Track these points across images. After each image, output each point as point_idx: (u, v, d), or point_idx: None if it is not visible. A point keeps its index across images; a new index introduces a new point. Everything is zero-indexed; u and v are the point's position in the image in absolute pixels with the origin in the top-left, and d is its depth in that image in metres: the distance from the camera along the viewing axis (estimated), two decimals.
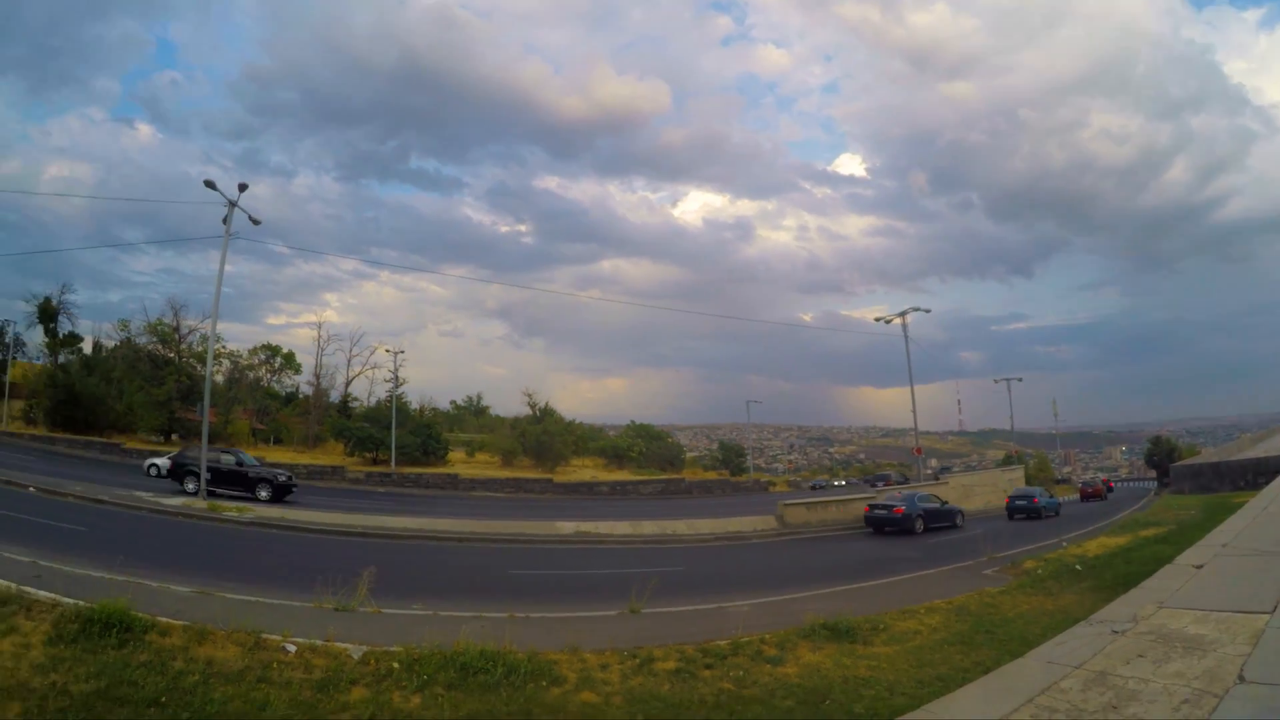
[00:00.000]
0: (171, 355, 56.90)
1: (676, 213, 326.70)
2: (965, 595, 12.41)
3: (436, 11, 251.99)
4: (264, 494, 26.06)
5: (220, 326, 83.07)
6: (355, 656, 7.96)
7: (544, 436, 60.10)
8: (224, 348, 62.64)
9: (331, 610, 10.05)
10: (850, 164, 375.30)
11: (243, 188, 25.11)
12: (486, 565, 17.60)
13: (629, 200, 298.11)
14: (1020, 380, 72.82)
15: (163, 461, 31.84)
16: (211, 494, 24.19)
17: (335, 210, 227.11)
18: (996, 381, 72.80)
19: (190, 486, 25.33)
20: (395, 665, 7.75)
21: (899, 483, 46.11)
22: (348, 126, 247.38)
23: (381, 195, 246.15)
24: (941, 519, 27.31)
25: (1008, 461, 68.56)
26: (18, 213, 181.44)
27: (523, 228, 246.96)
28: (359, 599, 10.32)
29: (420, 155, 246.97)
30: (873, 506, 26.86)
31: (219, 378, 58.80)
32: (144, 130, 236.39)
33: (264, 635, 8.36)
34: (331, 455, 54.02)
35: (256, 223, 26.40)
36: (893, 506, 26.18)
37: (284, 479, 27.49)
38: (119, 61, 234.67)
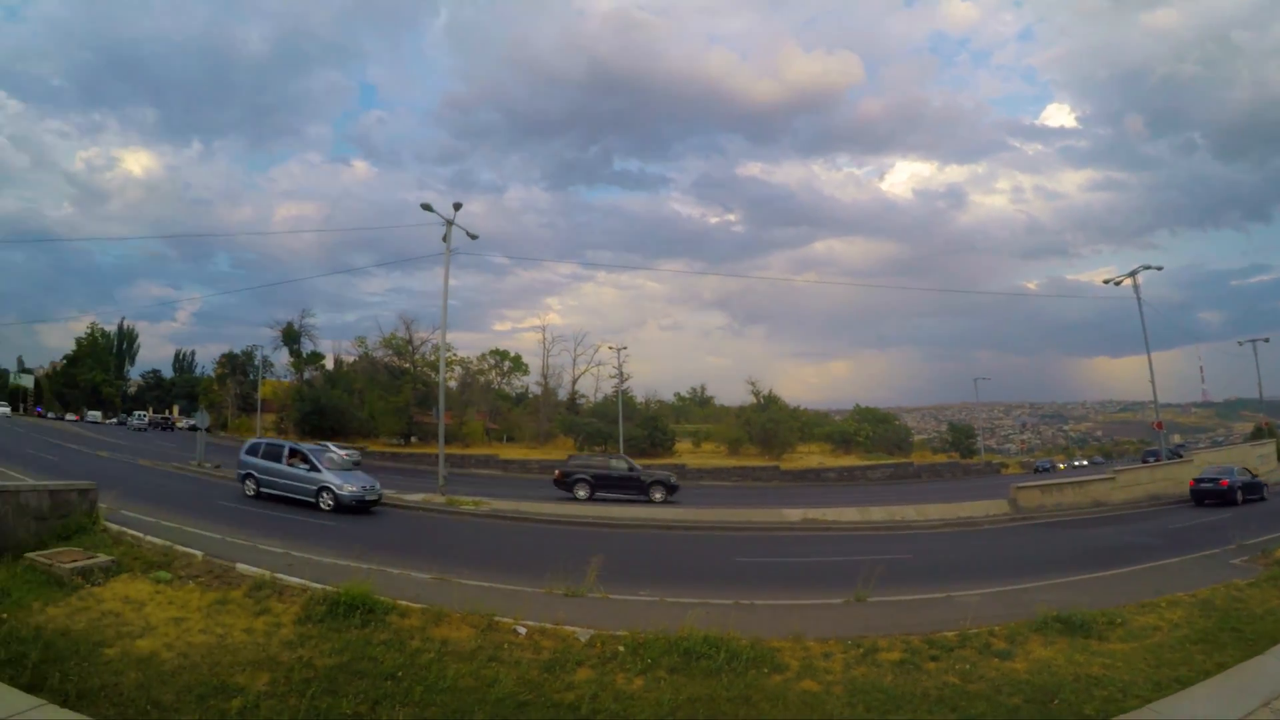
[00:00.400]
0: (406, 365, 65.91)
1: (884, 186, 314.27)
2: (1210, 588, 12.16)
3: (616, 16, 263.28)
4: (658, 496, 29.55)
5: (450, 336, 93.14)
6: (582, 639, 8.61)
7: (769, 424, 61.92)
8: (455, 355, 73.13)
9: (561, 596, 10.97)
10: (1058, 115, 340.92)
11: (457, 207, 28.73)
12: (713, 552, 18.64)
13: (835, 178, 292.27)
14: (1267, 341, 62.49)
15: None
16: (598, 499, 28.51)
17: (548, 218, 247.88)
18: (1240, 344, 62.81)
19: (581, 494, 29.36)
20: (620, 649, 8.32)
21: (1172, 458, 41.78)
22: (549, 138, 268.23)
23: (590, 199, 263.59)
24: (1253, 491, 30.59)
25: (1258, 435, 66.59)
26: (257, 252, 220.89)
27: (732, 217, 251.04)
28: (588, 585, 11.21)
29: (622, 157, 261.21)
30: (1198, 480, 30.24)
31: (452, 383, 67.64)
32: (360, 166, 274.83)
33: (496, 618, 9.26)
34: (561, 450, 59.61)
35: (474, 237, 30.21)
36: (1219, 479, 29.71)
37: (673, 481, 31.22)
38: (327, 109, 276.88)
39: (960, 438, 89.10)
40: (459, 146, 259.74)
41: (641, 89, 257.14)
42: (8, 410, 78.23)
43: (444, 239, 28.70)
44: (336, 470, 21.91)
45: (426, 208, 28.16)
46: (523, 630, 8.89)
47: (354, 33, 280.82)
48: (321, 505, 20.95)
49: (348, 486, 21.21)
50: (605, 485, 29.77)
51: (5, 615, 9.47)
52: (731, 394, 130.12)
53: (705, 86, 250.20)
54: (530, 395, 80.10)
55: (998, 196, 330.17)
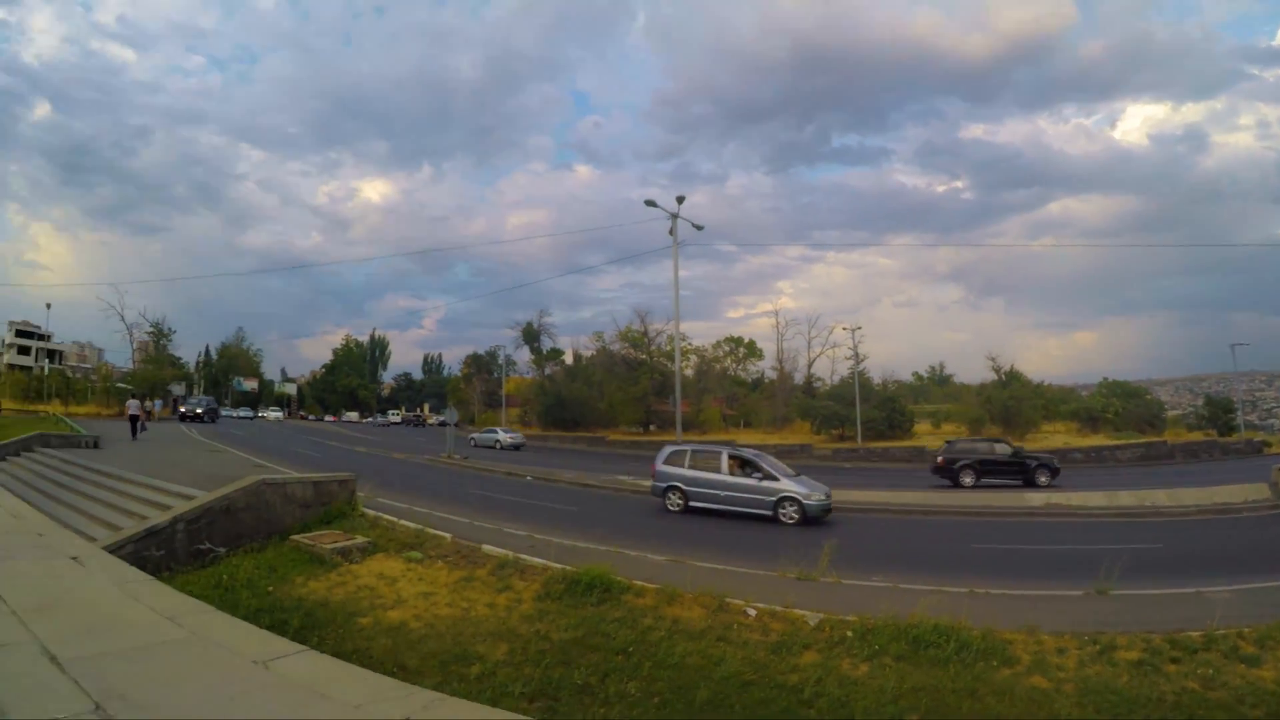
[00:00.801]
0: (643, 357, 71.62)
1: (1117, 135, 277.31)
2: None
3: None
4: (1043, 479, 30.52)
5: (684, 325, 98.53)
6: (811, 623, 9.32)
7: (1010, 402, 60.05)
8: (689, 344, 79.51)
9: (793, 579, 11.74)
10: None
11: (680, 200, 30.84)
12: (950, 538, 18.99)
13: (1063, 132, 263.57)
14: None
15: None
16: (985, 485, 30.04)
17: (771, 203, 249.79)
18: None
19: (967, 480, 30.77)
20: (849, 634, 8.95)
21: None
22: (763, 122, 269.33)
23: (812, 180, 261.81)
24: None
25: None
26: (494, 260, 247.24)
27: (959, 183, 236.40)
28: (820, 569, 11.93)
29: (840, 133, 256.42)
30: None
31: (688, 371, 72.45)
32: (582, 170, 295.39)
33: (727, 599, 10.21)
34: (798, 434, 62.75)
35: (699, 228, 32.50)
36: None
37: (1056, 464, 31.92)
38: (545, 120, 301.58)
39: (1217, 412, 79.99)
40: (675, 141, 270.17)
41: (849, 61, 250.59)
42: (280, 414, 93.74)
43: (670, 232, 30.81)
44: (794, 478, 21.35)
45: (650, 204, 30.45)
46: (752, 612, 9.71)
47: (558, 47, 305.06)
48: (783, 519, 20.11)
49: (815, 495, 20.58)
50: (990, 471, 30.70)
51: (272, 588, 12.07)
52: (971, 371, 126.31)
53: (913, 49, 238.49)
54: (766, 380, 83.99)
55: (1241, 134, 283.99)
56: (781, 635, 8.99)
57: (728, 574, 12.09)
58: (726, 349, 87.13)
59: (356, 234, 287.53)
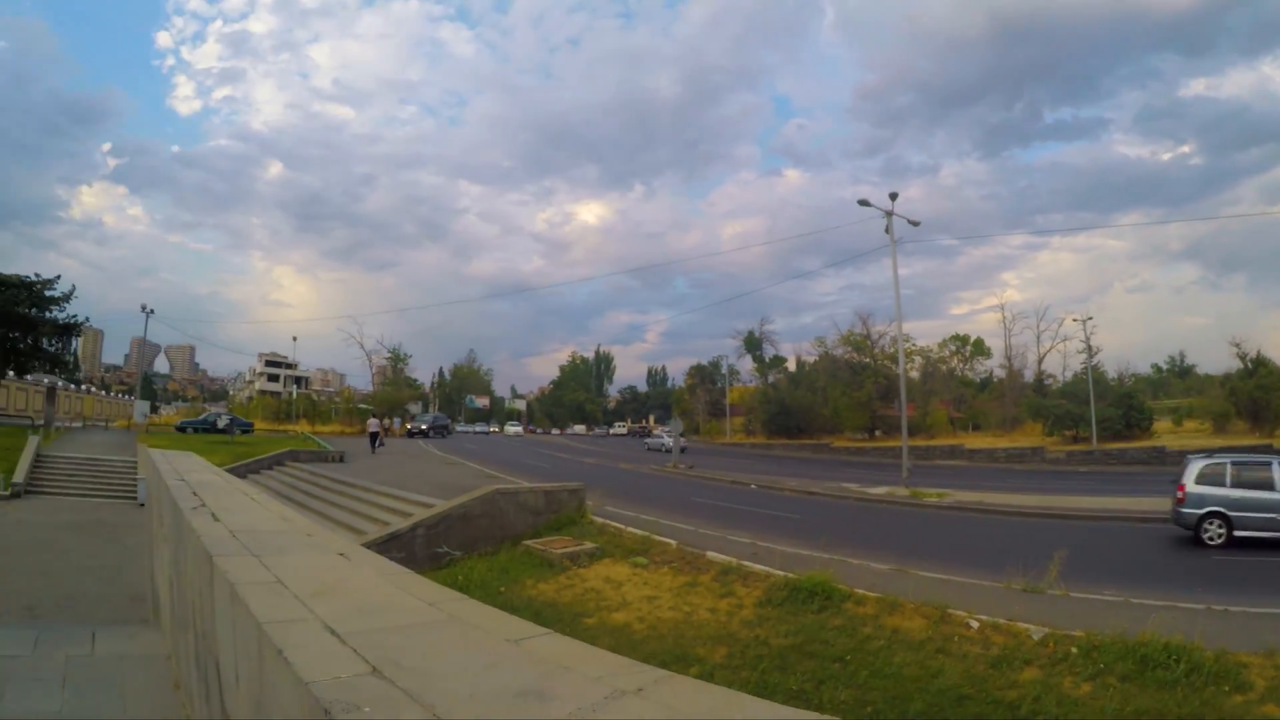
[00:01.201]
0: (866, 360, 70.96)
1: None
2: None
3: None
4: None
5: (906, 326, 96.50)
6: (1034, 638, 9.12)
7: (1257, 392, 51.98)
8: (913, 345, 74.62)
9: (1019, 591, 11.50)
10: None
11: (893, 197, 30.64)
12: (1187, 548, 17.08)
13: None
14: None
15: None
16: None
17: (987, 189, 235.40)
18: None
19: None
20: (1073, 650, 8.69)
21: None
22: (969, 105, 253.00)
23: (1028, 160, 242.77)
24: None
25: None
26: (711, 271, 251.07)
27: (1185, 149, 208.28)
28: (1048, 581, 11.55)
29: (1051, 107, 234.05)
30: None
31: (913, 373, 71.00)
32: (791, 174, 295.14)
33: (949, 610, 10.19)
34: (1029, 436, 58.55)
35: (915, 224, 31.94)
36: None
37: None
38: (748, 128, 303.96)
39: None
40: (882, 135, 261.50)
41: (1050, 27, 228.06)
42: (519, 428, 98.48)
43: (886, 230, 30.51)
44: None
45: (864, 203, 30.47)
46: (975, 624, 9.65)
47: (752, 54, 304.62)
48: None
49: None
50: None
51: (504, 589, 13.21)
52: (1214, 360, 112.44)
53: (1116, 4, 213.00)
54: (994, 379, 79.75)
55: None
56: (1003, 649, 8.87)
57: (951, 584, 11.98)
58: (952, 348, 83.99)
59: (576, 255, 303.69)
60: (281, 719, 2.03)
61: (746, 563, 13.43)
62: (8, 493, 26.81)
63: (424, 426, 68.38)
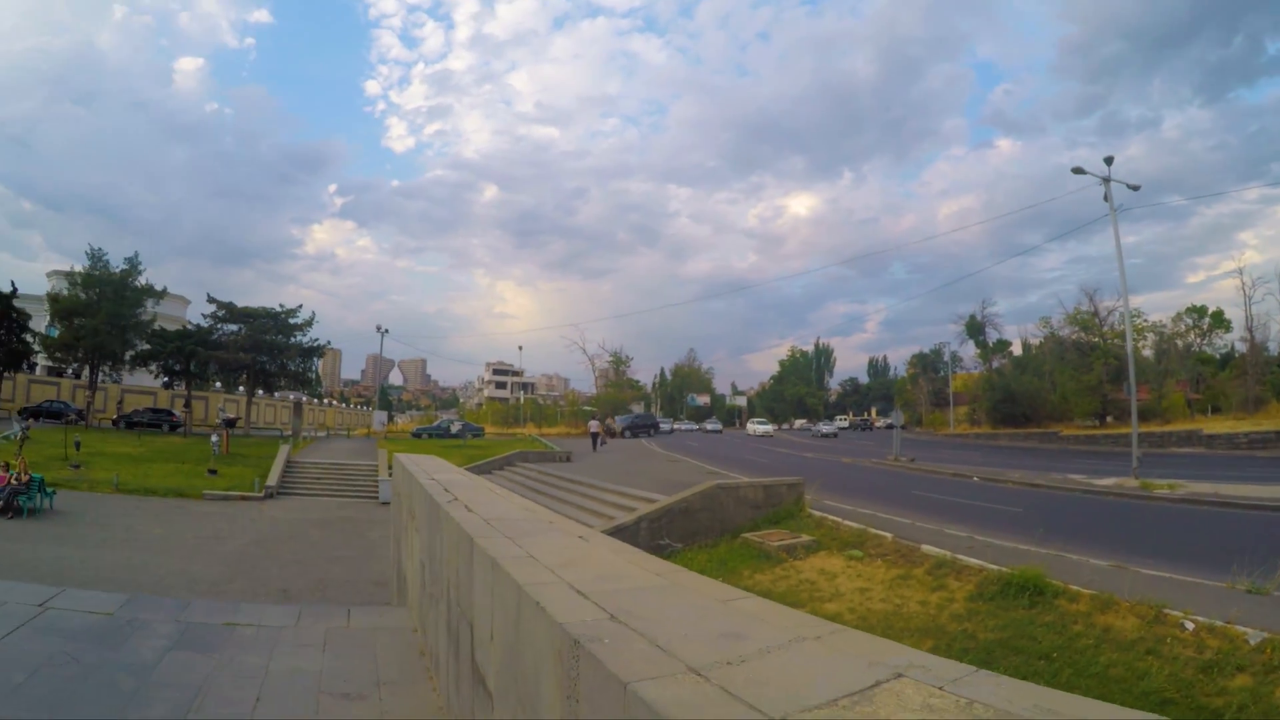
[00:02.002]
0: (1095, 340, 65.51)
1: None
2: None
3: None
4: None
5: (1137, 300, 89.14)
6: (1251, 643, 8.81)
7: None
8: (1143, 321, 69.13)
9: (1243, 592, 11.02)
10: None
11: (1108, 161, 29.49)
12: None
13: None
14: None
15: None
16: None
17: (1215, 139, 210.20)
18: None
19: None
20: None
21: None
22: (1183, 46, 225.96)
23: (1255, 102, 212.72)
24: None
25: None
26: (929, 254, 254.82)
27: None
28: (1275, 582, 11.03)
29: (1273, 35, 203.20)
30: None
31: (1145, 351, 64.92)
32: (1003, 144, 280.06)
33: (1165, 610, 9.95)
34: (1274, 419, 51.30)
35: (1134, 188, 30.55)
36: None
37: None
38: (953, 100, 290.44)
39: None
40: (1094, 91, 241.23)
41: None
42: (718, 426, 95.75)
43: (1105, 199, 29.40)
44: None
45: (1078, 171, 29.62)
46: (1190, 625, 9.40)
47: (945, 21, 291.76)
48: None
49: None
50: None
51: (721, 579, 13.65)
52: None
53: None
54: (1236, 354, 71.52)
55: None
56: (1216, 653, 8.60)
57: (1171, 583, 11.60)
58: (1188, 322, 76.15)
59: (790, 248, 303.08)
60: (534, 657, 2.68)
61: (961, 556, 13.58)
62: (262, 494, 30.32)
63: (620, 428, 70.18)
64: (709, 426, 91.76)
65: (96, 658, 6.65)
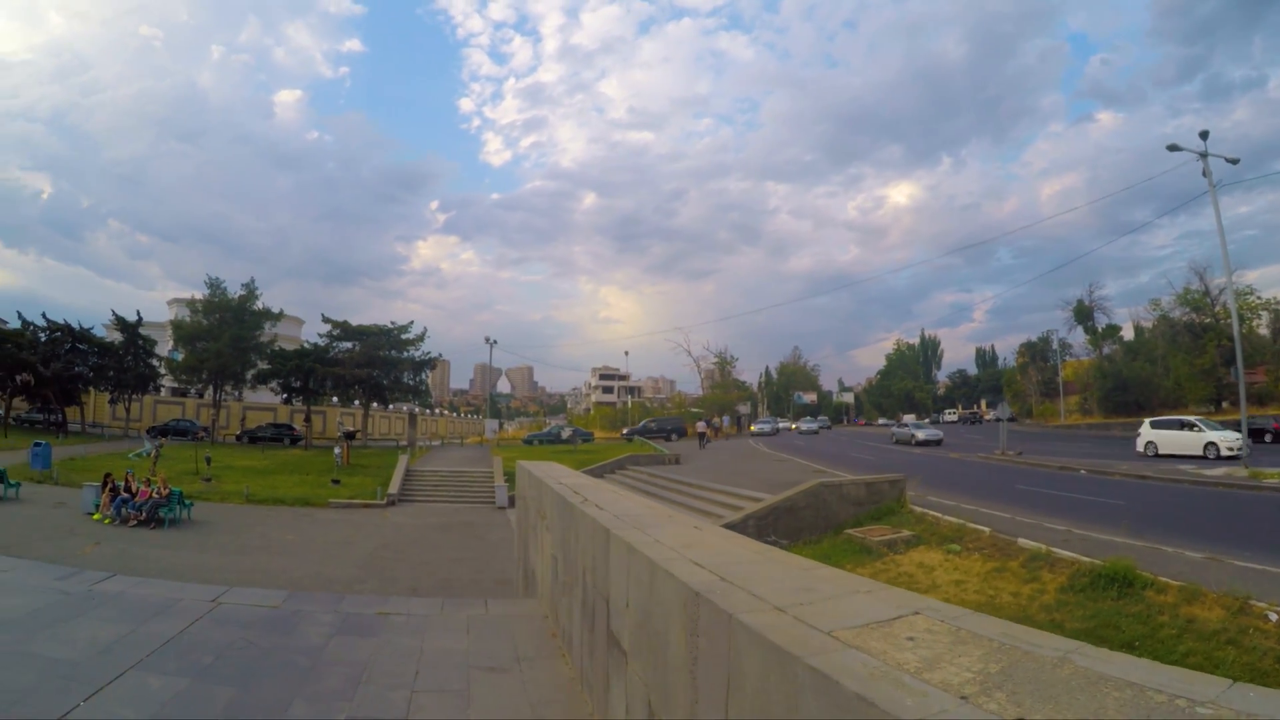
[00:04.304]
0: (1207, 320, 62.01)
1: None
2: None
3: None
4: None
5: (1252, 275, 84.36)
6: None
7: None
8: (1256, 299, 64.60)
9: None
10: None
11: (1204, 135, 29.28)
12: None
13: None
14: None
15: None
16: None
17: None
18: None
19: None
20: None
21: None
22: None
23: None
24: None
25: None
26: (1034, 237, 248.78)
27: None
28: None
29: None
30: None
31: (1261, 330, 61.15)
32: (1103, 117, 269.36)
33: (1251, 602, 10.36)
34: None
35: (1233, 162, 30.37)
36: None
37: None
38: (1048, 75, 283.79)
39: None
40: (1193, 53, 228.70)
41: None
42: (814, 425, 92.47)
43: (1204, 174, 29.08)
44: None
45: (1174, 148, 29.31)
46: (1274, 617, 9.74)
47: None
48: None
49: None
50: None
51: None
52: None
53: None
54: None
55: None
56: None
57: (1265, 575, 11.90)
58: None
59: (892, 239, 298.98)
60: (664, 612, 3.72)
61: (1056, 550, 14.14)
62: (385, 502, 32.21)
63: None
64: (803, 425, 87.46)
65: (271, 642, 7.89)
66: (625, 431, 73.37)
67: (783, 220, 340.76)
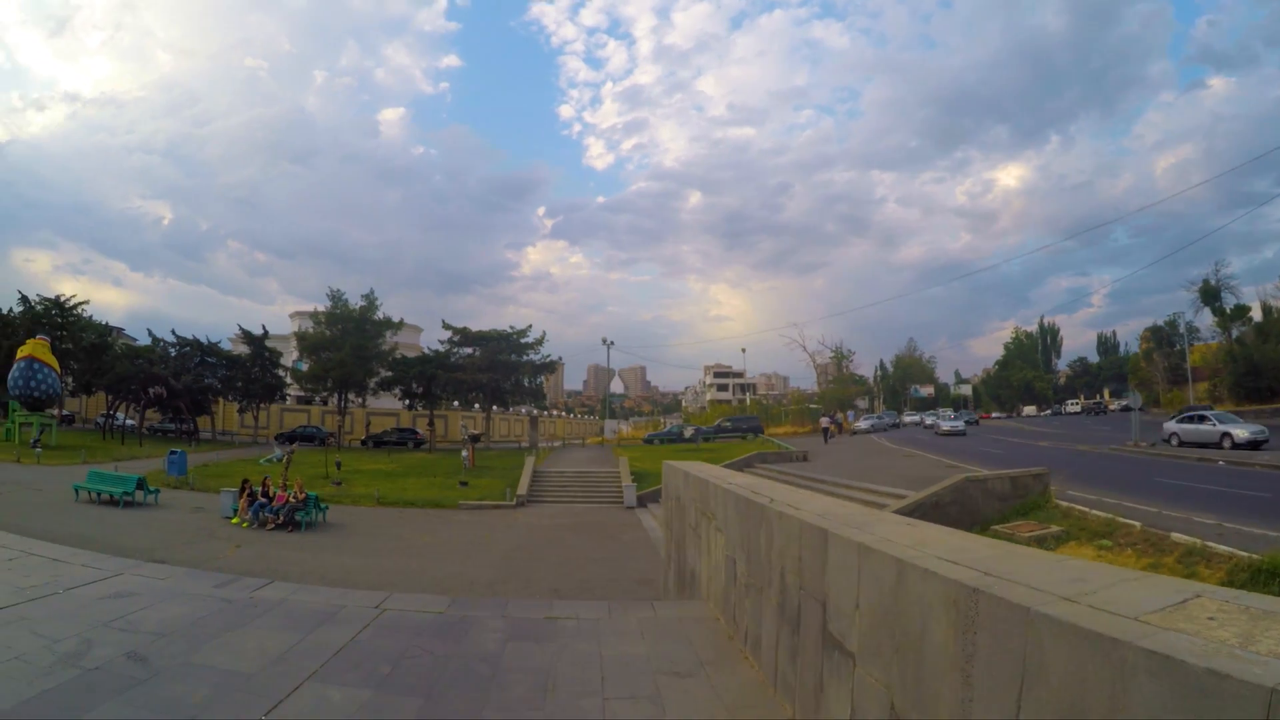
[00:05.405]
0: None
1: None
2: None
3: None
4: None
5: None
6: None
7: None
8: None
9: None
10: None
11: None
12: None
13: None
14: None
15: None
16: None
17: None
18: None
19: None
20: None
21: None
22: None
23: None
24: None
25: None
26: (1152, 216, 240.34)
27: None
28: None
29: None
30: None
31: None
32: (1215, 83, 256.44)
33: None
34: None
35: None
36: None
37: None
38: (1153, 41, 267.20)
39: None
40: None
41: None
42: (915, 417, 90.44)
43: None
44: None
45: None
46: None
47: None
48: None
49: None
50: None
51: None
52: None
53: None
54: None
55: None
56: None
57: None
58: None
59: (1004, 224, 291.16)
60: (920, 609, 3.74)
61: (1211, 544, 13.74)
62: (514, 503, 32.93)
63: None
64: (943, 424, 67.50)
65: (445, 650, 7.90)
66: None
67: (890, 209, 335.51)
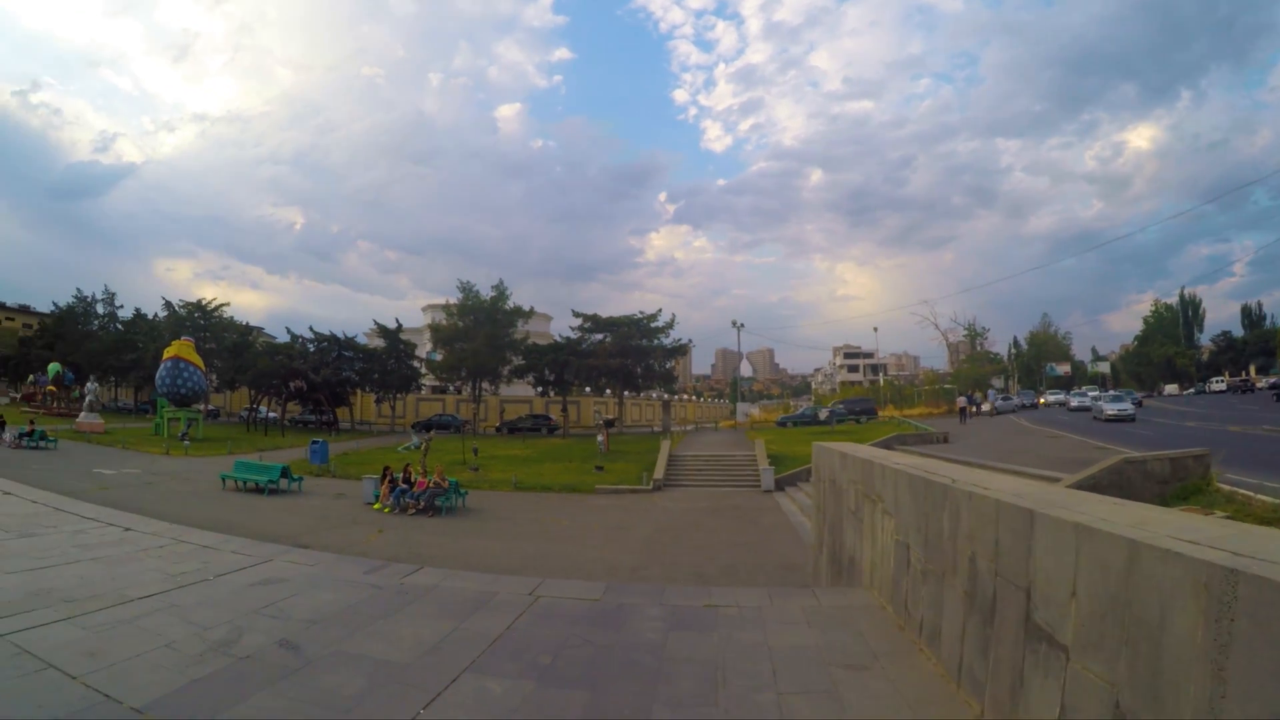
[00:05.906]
0: None
1: None
2: None
3: None
4: None
5: None
6: None
7: None
8: None
9: None
10: None
11: None
12: None
13: None
14: None
15: None
16: None
17: None
18: None
19: None
20: None
21: None
22: None
23: None
24: None
25: None
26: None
27: None
28: None
29: None
30: None
31: None
32: None
33: None
34: None
35: None
36: None
37: None
38: None
39: None
40: None
41: None
42: (1132, 397, 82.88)
43: None
44: None
45: None
46: None
47: None
48: None
49: None
50: None
51: None
52: None
53: None
54: None
55: None
56: None
57: None
58: None
59: (1137, 189, 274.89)
60: (1158, 595, 3.46)
61: None
62: (651, 487, 33.13)
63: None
64: (1108, 406, 52.49)
65: (606, 639, 7.77)
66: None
67: (1017, 179, 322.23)
